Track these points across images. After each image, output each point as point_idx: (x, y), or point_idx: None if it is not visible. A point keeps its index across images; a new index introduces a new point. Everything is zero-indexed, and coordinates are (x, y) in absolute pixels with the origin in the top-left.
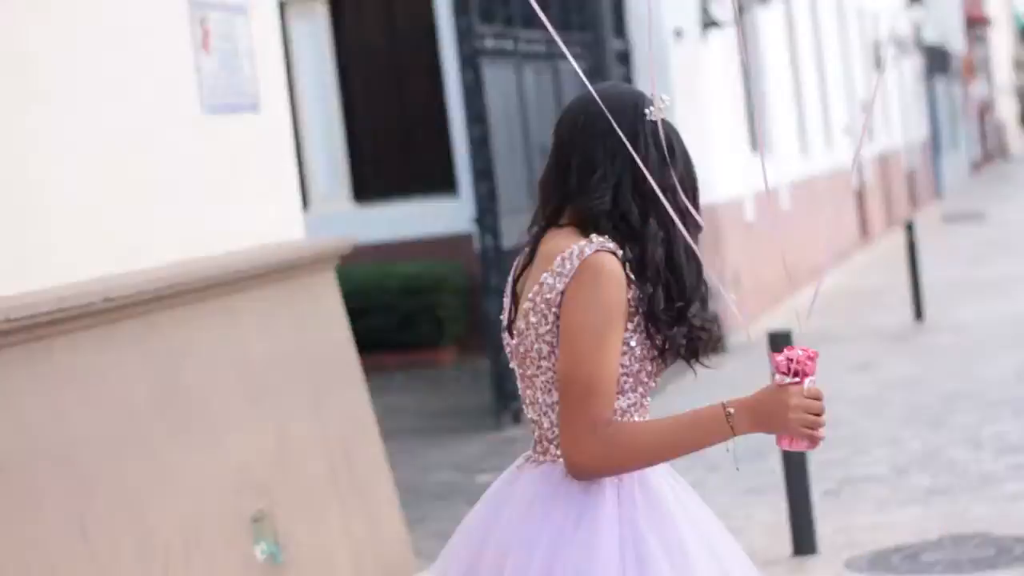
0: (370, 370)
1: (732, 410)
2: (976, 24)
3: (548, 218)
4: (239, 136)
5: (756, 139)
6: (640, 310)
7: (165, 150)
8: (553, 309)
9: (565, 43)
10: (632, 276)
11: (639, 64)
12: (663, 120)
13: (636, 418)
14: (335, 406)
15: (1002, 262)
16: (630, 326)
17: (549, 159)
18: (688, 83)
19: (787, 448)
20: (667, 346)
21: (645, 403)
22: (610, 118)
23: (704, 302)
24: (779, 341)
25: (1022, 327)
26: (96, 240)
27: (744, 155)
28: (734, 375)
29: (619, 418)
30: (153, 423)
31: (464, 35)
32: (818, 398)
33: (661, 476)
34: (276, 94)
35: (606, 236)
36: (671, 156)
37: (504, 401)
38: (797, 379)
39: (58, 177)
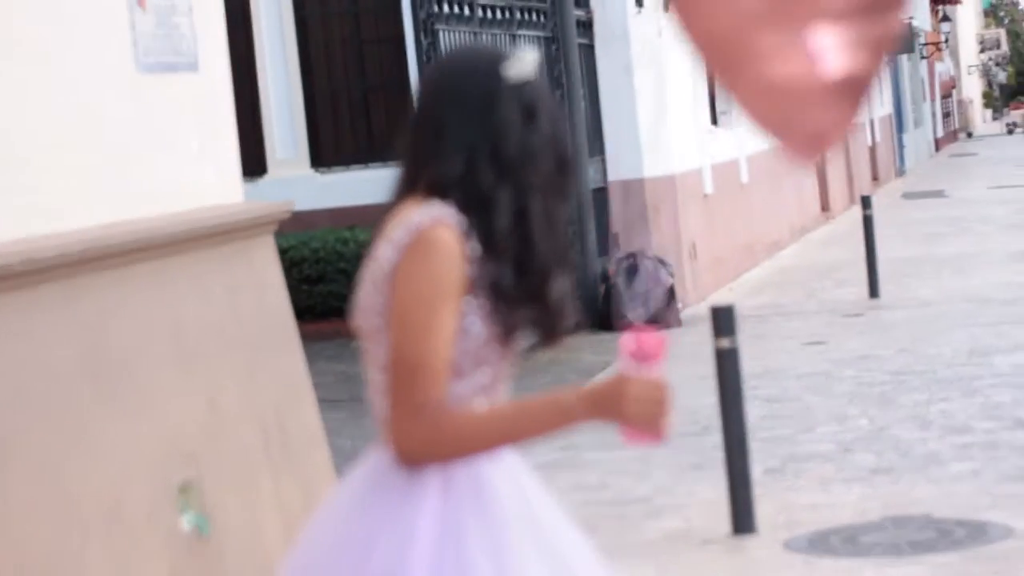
0: (328, 336)
1: (572, 397)
2: (942, 2)
3: (404, 186)
4: (176, 96)
5: (716, 112)
6: (485, 286)
7: (96, 110)
8: (387, 282)
9: (524, 11)
10: (476, 250)
11: (601, 33)
12: (527, 82)
13: (481, 404)
14: (270, 374)
15: (960, 240)
16: (470, 302)
17: (408, 124)
18: (649, 54)
19: (630, 442)
20: (514, 326)
21: (496, 388)
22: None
23: (564, 279)
24: (722, 317)
25: (976, 305)
26: (17, 202)
27: (704, 127)
28: (685, 350)
29: (460, 404)
30: (77, 389)
31: (420, 0)
32: (662, 388)
33: (498, 466)
34: (216, 54)
35: (451, 206)
36: (531, 120)
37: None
38: (644, 365)
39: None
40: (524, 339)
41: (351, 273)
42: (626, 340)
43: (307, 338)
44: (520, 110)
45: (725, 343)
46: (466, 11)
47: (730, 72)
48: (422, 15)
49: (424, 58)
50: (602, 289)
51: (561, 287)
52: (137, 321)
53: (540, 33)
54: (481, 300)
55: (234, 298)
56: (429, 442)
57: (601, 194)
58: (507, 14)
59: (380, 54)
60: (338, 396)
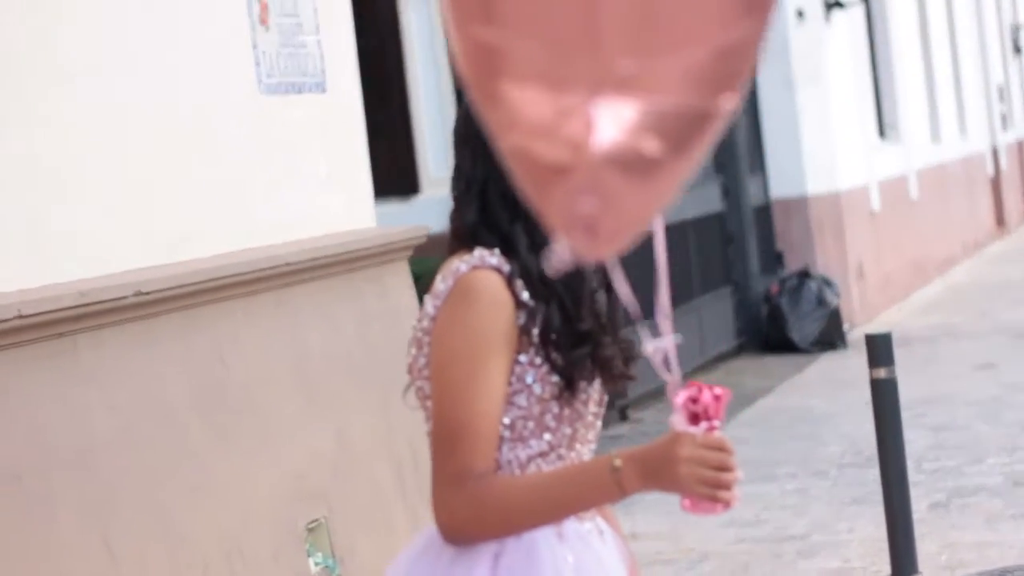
0: None
1: (619, 462)
2: None
3: (452, 237)
4: (302, 118)
5: (884, 125)
6: (538, 335)
7: (215, 133)
8: (427, 338)
9: None
10: (524, 295)
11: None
12: None
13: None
14: (404, 406)
15: None
16: (524, 358)
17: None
18: (811, 67)
19: (691, 511)
20: (572, 375)
21: (571, 452)
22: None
23: (615, 327)
24: (878, 345)
25: None
26: (128, 231)
27: (871, 142)
28: (850, 373)
29: (516, 471)
30: (192, 426)
31: None
32: (721, 448)
33: (558, 543)
34: (346, 73)
35: (492, 250)
36: None
37: (609, 397)
38: (703, 425)
39: (89, 163)
40: (593, 394)
41: None
42: (681, 396)
43: None
44: None
45: (882, 373)
46: None
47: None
48: None
49: None
50: (765, 310)
51: (616, 336)
52: (258, 353)
53: None
54: (536, 353)
55: (365, 327)
56: (471, 517)
57: (764, 212)
58: None
59: None
60: None
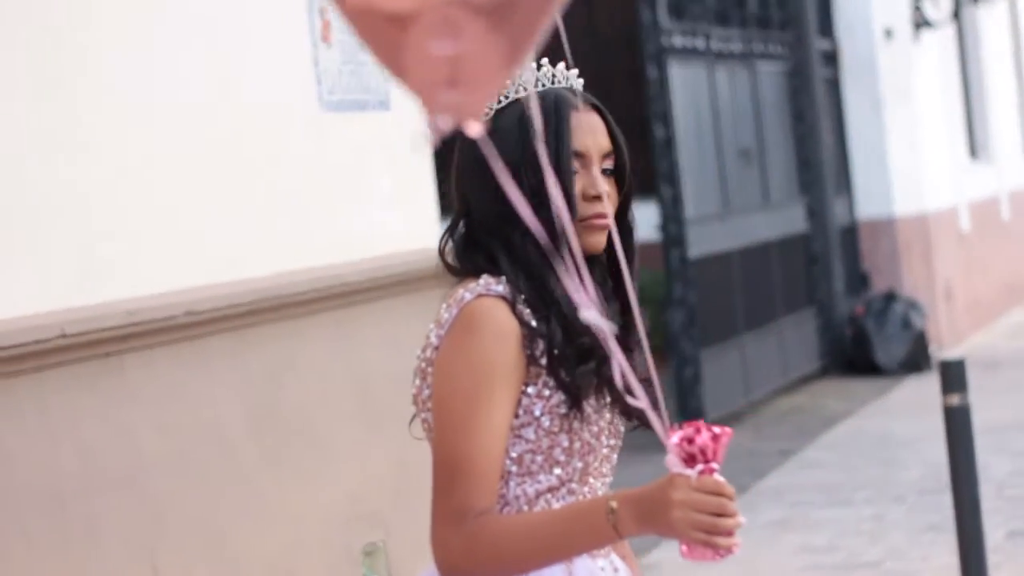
0: None
1: (615, 504)
2: None
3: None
4: (364, 136)
5: (975, 145)
6: (542, 359)
7: (274, 152)
8: (431, 368)
9: (764, 42)
10: (532, 321)
11: (848, 65)
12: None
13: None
14: None
15: None
16: (531, 390)
17: None
18: (899, 86)
19: (688, 558)
20: (578, 391)
21: (577, 490)
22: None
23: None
24: (951, 372)
25: None
26: (182, 249)
27: (960, 162)
28: (935, 399)
29: (524, 507)
30: (246, 448)
31: (649, 32)
32: (718, 492)
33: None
34: None
35: (499, 277)
36: (483, 170)
37: (688, 418)
38: (699, 467)
39: (143, 181)
40: (605, 425)
41: None
42: (675, 436)
43: None
44: (474, 162)
45: (955, 400)
46: (700, 44)
47: None
48: (651, 49)
49: (653, 92)
50: (850, 332)
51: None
52: (316, 374)
53: (780, 68)
54: (543, 385)
55: None
56: (467, 555)
57: (850, 233)
58: (745, 46)
59: (623, 86)
60: None
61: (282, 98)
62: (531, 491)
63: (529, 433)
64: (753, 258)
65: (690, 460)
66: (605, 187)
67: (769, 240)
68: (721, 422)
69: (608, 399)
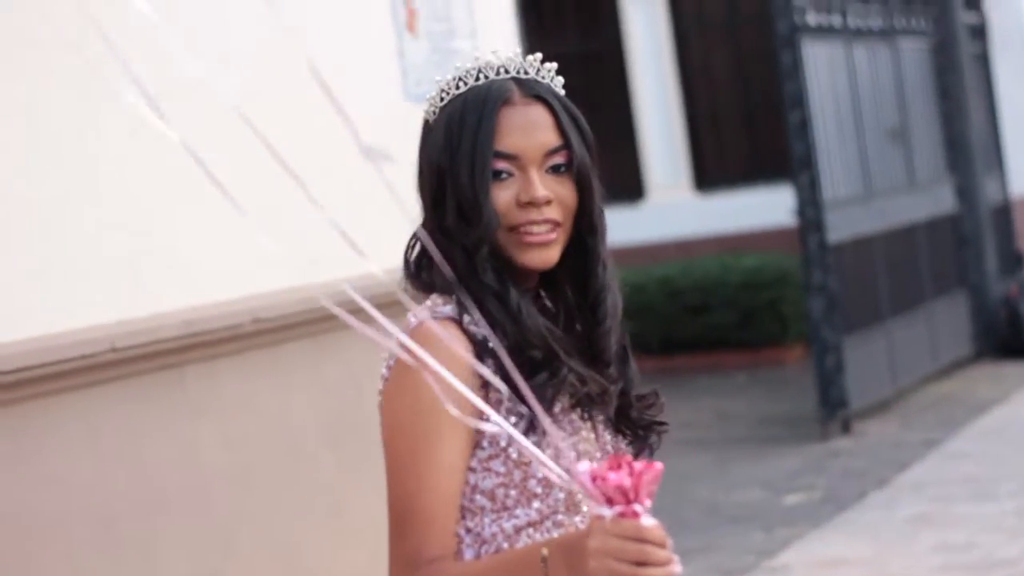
0: (711, 369)
1: (546, 551)
2: None
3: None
4: None
5: None
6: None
7: (354, 149)
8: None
9: (907, 17)
10: (481, 336)
11: (997, 39)
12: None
13: (537, 541)
14: None
15: None
16: (497, 416)
17: None
18: None
19: None
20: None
21: (564, 521)
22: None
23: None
24: None
25: None
26: (252, 255)
27: None
28: None
29: (504, 544)
30: (322, 458)
31: (782, 10)
32: (640, 538)
33: None
34: None
35: (449, 296)
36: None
37: (830, 409)
38: (616, 508)
39: (204, 184)
40: (591, 449)
41: (736, 302)
42: (583, 473)
43: (688, 371)
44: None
45: None
46: (836, 21)
47: None
48: (784, 29)
49: (786, 73)
50: (1003, 314)
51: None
52: None
53: (924, 44)
54: (505, 409)
55: None
56: None
57: (1002, 212)
58: (885, 22)
59: (762, 67)
60: (708, 437)
61: (366, 91)
62: (508, 527)
63: (498, 465)
64: (898, 241)
65: (612, 499)
66: (542, 190)
67: (916, 222)
68: (866, 411)
69: (592, 418)
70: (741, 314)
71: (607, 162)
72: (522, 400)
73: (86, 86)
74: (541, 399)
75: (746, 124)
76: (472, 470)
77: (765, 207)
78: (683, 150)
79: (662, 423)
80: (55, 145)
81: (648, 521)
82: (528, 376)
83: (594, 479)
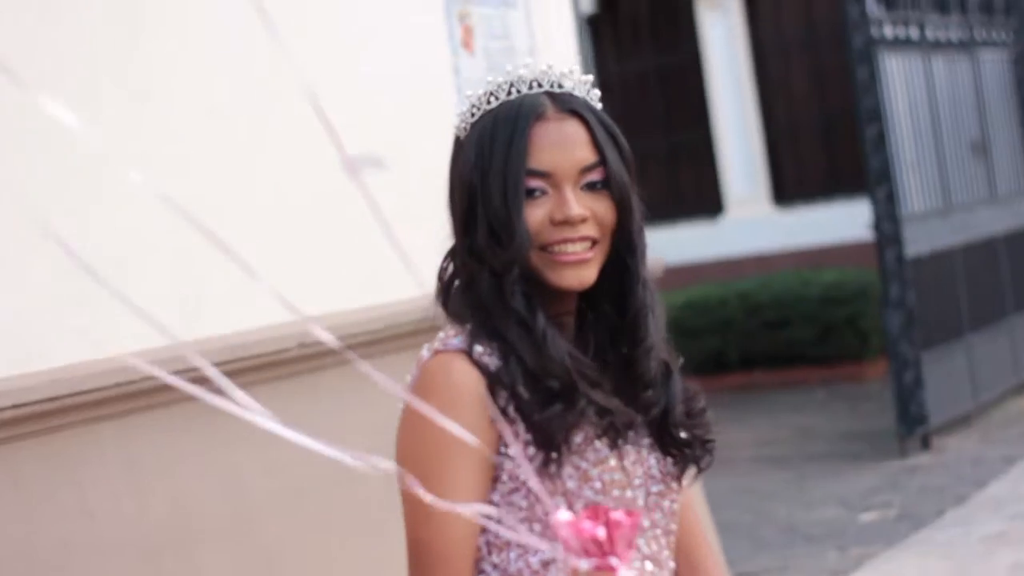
0: (791, 385)
1: None
2: None
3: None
4: None
5: None
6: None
7: (412, 166)
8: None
9: (987, 28)
10: (493, 368)
11: None
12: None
13: None
14: None
15: None
16: (512, 451)
17: None
18: None
19: None
20: (545, 439)
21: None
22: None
23: (590, 381)
24: None
25: None
26: (304, 279)
27: None
28: None
29: None
30: (371, 486)
31: (857, 24)
32: None
33: None
34: None
35: (464, 326)
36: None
37: (909, 425)
38: (595, 561)
39: (258, 205)
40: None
41: (816, 318)
42: (560, 522)
43: (768, 387)
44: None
45: None
46: (914, 34)
47: None
48: (859, 42)
49: (862, 87)
50: None
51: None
52: None
53: (1003, 56)
54: (523, 441)
55: None
56: None
57: None
58: (964, 34)
59: (840, 80)
60: (787, 454)
61: (420, 108)
62: (535, 562)
63: (519, 500)
64: (978, 254)
65: (588, 552)
66: (576, 208)
67: (996, 235)
68: (946, 427)
69: (632, 443)
70: (821, 329)
71: (686, 178)
72: (535, 437)
73: (145, 90)
74: (555, 431)
75: (824, 138)
76: (494, 504)
77: (844, 221)
78: (762, 165)
79: (707, 441)
80: (97, 170)
81: (627, 574)
82: (542, 407)
83: (571, 529)
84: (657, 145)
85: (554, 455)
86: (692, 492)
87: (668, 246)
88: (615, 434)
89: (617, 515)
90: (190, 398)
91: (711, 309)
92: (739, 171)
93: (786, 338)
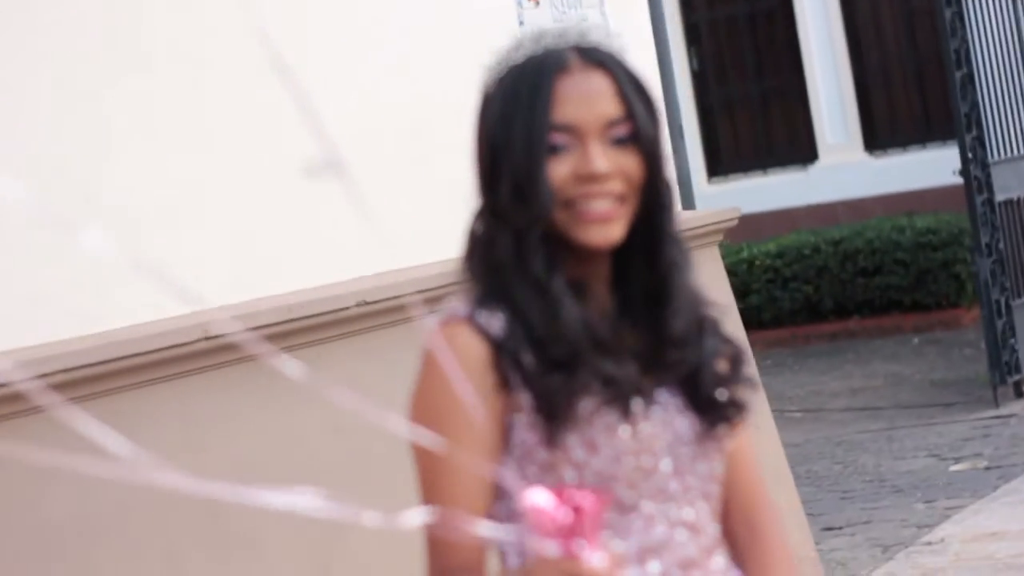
0: (885, 333)
1: None
2: None
3: None
4: None
5: None
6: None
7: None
8: None
9: None
10: (501, 333)
11: None
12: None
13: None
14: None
15: None
16: (519, 418)
17: None
18: None
19: None
20: (547, 409)
21: (617, 521)
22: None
23: (598, 345)
24: None
25: None
26: (359, 239)
27: None
28: None
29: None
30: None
31: None
32: None
33: None
34: (640, 45)
35: (476, 290)
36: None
37: (1000, 373)
38: (554, 544)
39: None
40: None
41: (909, 264)
42: (527, 501)
43: (863, 335)
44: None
45: None
46: None
47: None
48: None
49: (948, 30)
50: None
51: (606, 355)
52: None
53: None
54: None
55: None
56: None
57: None
58: None
59: (930, 24)
60: (879, 403)
61: (483, 61)
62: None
63: (530, 467)
64: None
65: (557, 533)
66: (602, 164)
67: None
68: None
69: (652, 406)
70: (915, 275)
71: (777, 125)
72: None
73: (202, 74)
74: (557, 400)
75: (916, 82)
76: (508, 469)
77: (937, 166)
78: (853, 110)
79: (735, 403)
80: (165, 135)
81: (593, 559)
82: (545, 375)
83: (536, 509)
84: (748, 91)
85: (554, 430)
86: (749, 450)
87: (760, 194)
88: (624, 402)
89: (583, 499)
90: (251, 358)
91: (804, 257)
92: (831, 117)
93: (880, 285)
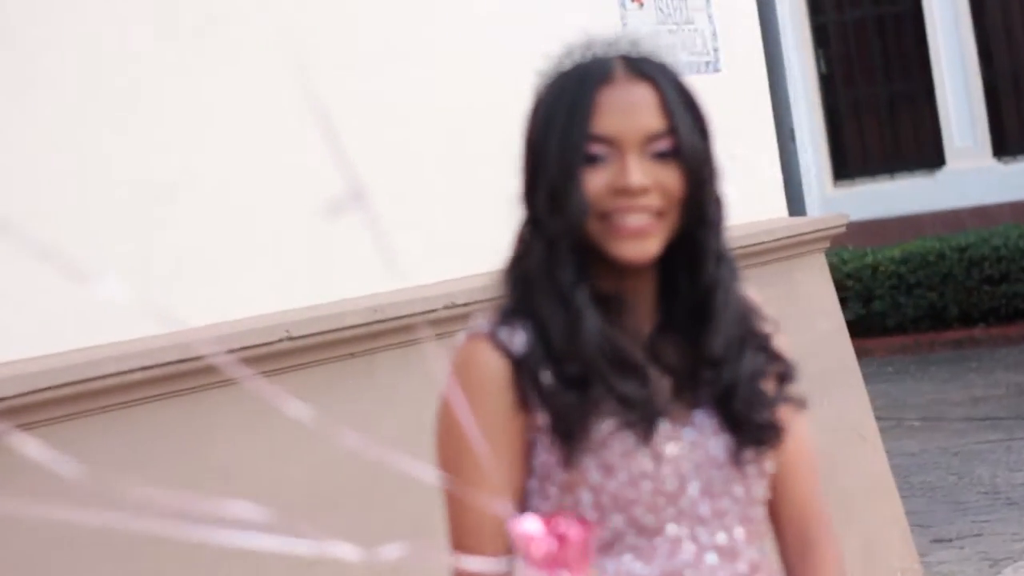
0: (1012, 342)
1: None
2: None
3: None
4: None
5: None
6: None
7: None
8: None
9: None
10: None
11: None
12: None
13: (622, 565)
14: (820, 414)
15: None
16: (547, 439)
17: None
18: None
19: None
20: (563, 429)
21: (640, 544)
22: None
23: (619, 365)
24: None
25: None
26: (447, 241)
27: None
28: None
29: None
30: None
31: None
32: None
33: None
34: (746, 49)
35: (510, 303)
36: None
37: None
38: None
39: (392, 167)
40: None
41: None
42: (516, 527)
43: (987, 343)
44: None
45: None
46: None
47: None
48: None
49: None
50: None
51: (626, 377)
52: None
53: None
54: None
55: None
56: None
57: None
58: None
59: None
60: (1000, 414)
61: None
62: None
63: (550, 488)
64: None
65: (542, 562)
66: (637, 177)
67: None
68: None
69: (679, 428)
70: None
71: (905, 129)
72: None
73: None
74: (571, 421)
75: None
76: (530, 493)
77: None
78: (982, 116)
79: (771, 425)
80: (239, 131)
81: None
82: (560, 394)
83: (524, 537)
84: (875, 95)
85: (569, 449)
86: (804, 463)
87: (886, 199)
88: (645, 425)
89: (568, 528)
90: (336, 360)
91: (930, 263)
92: (959, 122)
93: (1006, 293)
